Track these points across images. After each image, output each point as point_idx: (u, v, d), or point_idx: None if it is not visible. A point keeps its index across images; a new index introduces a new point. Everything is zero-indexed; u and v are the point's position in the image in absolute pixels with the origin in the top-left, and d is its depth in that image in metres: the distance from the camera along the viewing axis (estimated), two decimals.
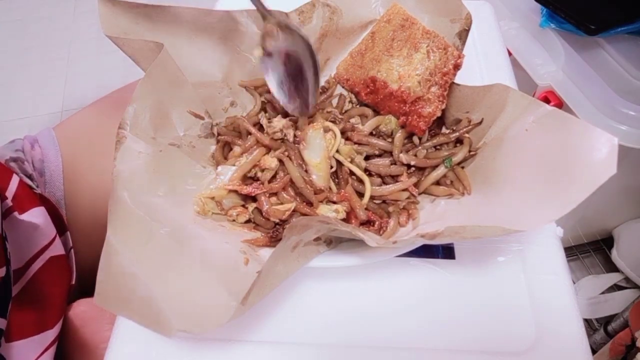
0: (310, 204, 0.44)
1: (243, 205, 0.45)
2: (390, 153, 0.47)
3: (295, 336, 0.40)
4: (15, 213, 0.46)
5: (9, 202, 0.46)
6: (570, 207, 0.33)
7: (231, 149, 0.48)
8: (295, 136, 0.48)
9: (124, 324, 0.40)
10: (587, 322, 0.94)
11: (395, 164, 0.46)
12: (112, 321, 0.41)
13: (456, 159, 0.44)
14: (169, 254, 0.36)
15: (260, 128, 0.49)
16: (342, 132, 0.47)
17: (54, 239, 0.49)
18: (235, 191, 0.46)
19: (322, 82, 0.55)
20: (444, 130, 0.49)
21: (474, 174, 0.44)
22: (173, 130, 0.46)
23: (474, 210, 0.41)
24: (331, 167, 0.46)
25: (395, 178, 0.46)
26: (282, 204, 0.44)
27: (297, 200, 0.45)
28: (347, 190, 0.44)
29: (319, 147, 0.45)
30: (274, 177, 0.46)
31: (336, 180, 0.46)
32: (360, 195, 0.45)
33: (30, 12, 1.72)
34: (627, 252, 0.94)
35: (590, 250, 1.03)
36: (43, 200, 0.51)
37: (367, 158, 0.47)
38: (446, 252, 0.44)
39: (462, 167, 0.45)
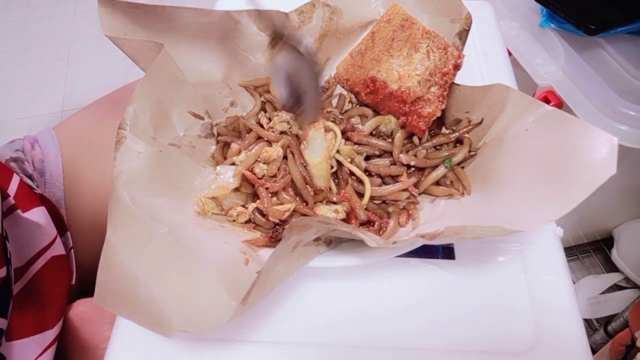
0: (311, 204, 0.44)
1: (243, 206, 0.45)
2: (390, 153, 0.47)
3: (295, 336, 0.40)
4: (18, 211, 0.46)
5: (11, 200, 0.46)
6: (570, 207, 0.33)
7: None
8: (297, 135, 0.48)
9: (124, 324, 0.40)
10: (587, 322, 0.94)
11: (395, 164, 0.46)
12: (112, 321, 0.41)
13: (456, 159, 0.44)
14: (169, 254, 0.36)
15: (261, 127, 0.49)
16: (342, 133, 0.47)
17: (55, 239, 0.49)
18: (236, 191, 0.46)
19: (322, 82, 0.55)
20: (444, 130, 0.49)
21: (474, 174, 0.44)
22: (173, 130, 0.46)
23: (474, 210, 0.41)
24: (331, 167, 0.46)
25: (395, 178, 0.46)
26: (282, 204, 0.44)
27: (297, 200, 0.45)
28: (347, 190, 0.44)
29: (320, 147, 0.45)
30: (274, 175, 0.46)
31: (336, 180, 0.46)
32: (360, 195, 0.45)
33: (30, 12, 1.72)
34: (627, 252, 0.94)
35: (590, 250, 1.03)
36: (43, 200, 0.51)
37: (367, 158, 0.47)
38: (446, 252, 0.44)
39: (462, 167, 0.45)
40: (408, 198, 0.45)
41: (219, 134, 0.50)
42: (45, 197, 0.53)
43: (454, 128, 0.47)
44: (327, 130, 0.47)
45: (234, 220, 0.44)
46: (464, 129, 0.46)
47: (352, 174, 0.46)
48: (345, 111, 0.53)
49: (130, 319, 0.32)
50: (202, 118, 0.49)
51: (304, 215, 0.43)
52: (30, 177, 0.54)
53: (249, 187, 0.46)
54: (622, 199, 0.89)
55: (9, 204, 0.45)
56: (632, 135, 0.68)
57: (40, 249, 0.47)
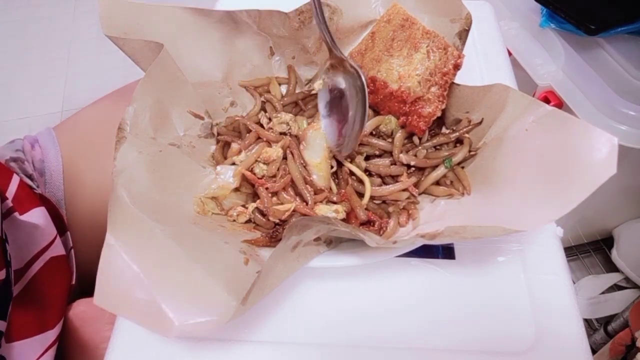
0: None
1: (243, 206, 0.45)
2: (390, 153, 0.47)
3: (295, 336, 0.40)
4: (16, 213, 0.46)
5: (9, 202, 0.46)
6: (570, 207, 0.33)
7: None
8: (296, 136, 0.48)
9: (124, 324, 0.40)
10: (587, 322, 0.94)
11: (395, 164, 0.46)
12: (112, 321, 0.41)
13: (456, 159, 0.45)
14: (168, 254, 0.36)
15: (261, 128, 0.49)
16: None
17: (54, 239, 0.49)
18: (236, 191, 0.46)
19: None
20: (444, 130, 0.49)
21: (474, 174, 0.44)
22: (173, 130, 0.46)
23: (474, 210, 0.41)
24: (331, 167, 0.46)
25: (395, 178, 0.46)
26: (282, 204, 0.44)
27: (297, 200, 0.45)
28: (347, 190, 0.44)
29: (320, 147, 0.45)
30: (274, 175, 0.46)
31: (336, 180, 0.46)
32: (360, 195, 0.45)
33: (30, 12, 1.72)
34: (627, 252, 0.94)
35: (590, 250, 1.03)
36: (43, 201, 0.51)
37: (367, 158, 0.47)
38: (446, 252, 0.44)
39: (462, 167, 0.45)
40: (408, 198, 0.45)
41: (219, 134, 0.50)
42: (45, 197, 0.53)
43: (454, 128, 0.47)
44: None
45: (234, 220, 0.44)
46: (464, 129, 0.46)
47: (352, 173, 0.46)
48: None
49: (130, 318, 0.32)
50: (202, 118, 0.49)
51: (304, 215, 0.43)
52: (30, 177, 0.54)
53: (249, 187, 0.46)
54: (622, 199, 0.89)
55: (6, 207, 0.45)
56: (632, 135, 0.68)
57: (39, 250, 0.47)
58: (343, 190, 0.45)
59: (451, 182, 0.45)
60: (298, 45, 0.53)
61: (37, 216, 0.47)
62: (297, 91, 0.54)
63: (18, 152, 0.56)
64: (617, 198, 0.88)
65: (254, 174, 0.46)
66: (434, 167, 0.45)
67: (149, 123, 0.42)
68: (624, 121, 0.68)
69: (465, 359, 0.38)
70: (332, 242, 0.41)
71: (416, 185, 0.45)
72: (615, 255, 0.95)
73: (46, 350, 0.45)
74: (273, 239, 0.42)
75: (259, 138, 0.48)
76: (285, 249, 0.36)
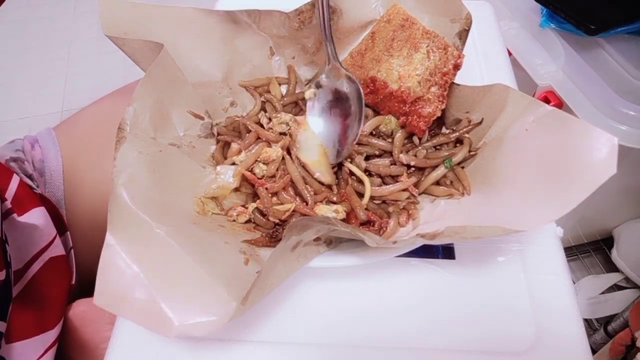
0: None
1: (243, 206, 0.45)
2: (390, 153, 0.47)
3: (295, 336, 0.40)
4: (15, 214, 0.46)
5: (8, 203, 0.46)
6: (570, 207, 0.33)
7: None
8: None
9: (124, 324, 0.40)
10: (587, 322, 0.94)
11: (395, 164, 0.46)
12: (112, 321, 0.41)
13: (456, 159, 0.45)
14: (168, 254, 0.36)
15: (261, 128, 0.49)
16: None
17: (53, 240, 0.49)
18: (236, 191, 0.46)
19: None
20: (444, 130, 0.49)
21: (474, 174, 0.44)
22: (173, 130, 0.46)
23: (474, 210, 0.41)
24: (332, 167, 0.46)
25: (395, 178, 0.46)
26: (282, 204, 0.44)
27: (297, 200, 0.45)
28: (347, 190, 0.44)
29: (313, 145, 0.45)
30: (273, 175, 0.46)
31: (336, 180, 0.46)
32: (360, 195, 0.44)
33: (30, 12, 1.72)
34: (627, 252, 0.94)
35: (590, 250, 1.03)
36: (43, 201, 0.51)
37: (367, 158, 0.47)
38: (446, 252, 0.44)
39: (462, 167, 0.45)
40: (408, 198, 0.45)
41: (219, 134, 0.50)
42: (45, 197, 0.53)
43: (454, 128, 0.47)
44: None
45: (234, 220, 0.44)
46: (464, 129, 0.46)
47: (352, 173, 0.46)
48: None
49: (130, 319, 0.32)
50: (202, 118, 0.49)
51: (304, 215, 0.43)
52: (30, 177, 0.54)
53: (249, 187, 0.46)
54: (622, 199, 0.89)
55: (5, 208, 0.45)
56: (632, 135, 0.68)
57: (39, 250, 0.47)
58: (343, 190, 0.45)
59: (451, 182, 0.45)
60: (298, 45, 0.53)
61: (36, 216, 0.47)
62: (297, 91, 0.54)
63: (18, 152, 0.56)
64: (617, 198, 0.88)
65: (254, 174, 0.46)
66: (434, 167, 0.45)
67: (149, 123, 0.42)
68: (624, 121, 0.68)
69: (465, 359, 0.38)
70: (332, 242, 0.41)
71: (416, 185, 0.45)
72: (615, 255, 0.96)
73: (46, 351, 0.45)
74: (273, 239, 0.42)
75: (258, 138, 0.48)
76: (285, 249, 0.36)
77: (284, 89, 0.54)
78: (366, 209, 0.44)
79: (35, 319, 0.45)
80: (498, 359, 0.38)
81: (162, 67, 0.44)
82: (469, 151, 0.45)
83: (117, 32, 0.44)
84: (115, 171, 0.37)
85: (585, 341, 0.39)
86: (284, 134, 0.48)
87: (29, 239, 0.47)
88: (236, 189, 0.46)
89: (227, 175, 0.45)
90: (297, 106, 0.53)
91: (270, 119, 0.50)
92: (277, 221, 0.43)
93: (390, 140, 0.48)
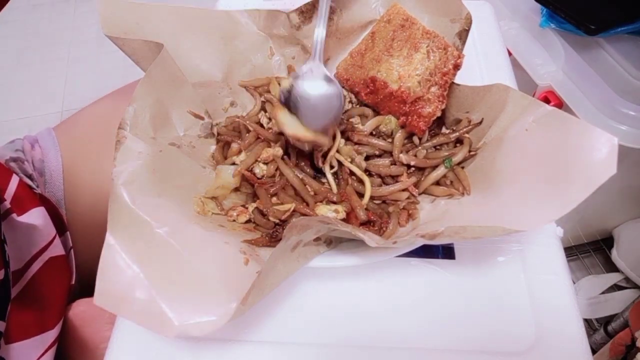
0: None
1: (243, 206, 0.45)
2: (390, 153, 0.47)
3: (295, 336, 0.40)
4: (14, 215, 0.46)
5: (7, 203, 0.46)
6: (570, 207, 0.33)
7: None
8: None
9: (124, 324, 0.40)
10: (587, 322, 0.94)
11: (395, 164, 0.46)
12: (112, 321, 0.41)
13: (456, 159, 0.45)
14: (168, 254, 0.36)
15: (261, 127, 0.49)
16: (342, 132, 0.47)
17: (53, 240, 0.49)
18: (236, 191, 0.46)
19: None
20: (444, 130, 0.49)
21: (474, 174, 0.44)
22: (173, 130, 0.46)
23: (474, 210, 0.41)
24: (331, 167, 0.46)
25: (395, 178, 0.46)
26: (282, 204, 0.44)
27: (297, 200, 0.45)
28: (347, 190, 0.44)
29: (292, 120, 0.44)
30: (273, 175, 0.46)
31: (336, 180, 0.46)
32: (361, 195, 0.44)
33: (30, 12, 1.72)
34: (627, 252, 0.94)
35: (590, 250, 1.03)
36: (43, 201, 0.51)
37: (367, 158, 0.47)
38: (446, 252, 0.44)
39: (462, 167, 0.45)
40: (408, 198, 0.45)
41: (219, 134, 0.50)
42: (45, 197, 0.53)
43: (454, 128, 0.47)
44: None
45: (234, 220, 0.44)
46: (464, 129, 0.46)
47: (352, 173, 0.46)
48: (346, 111, 0.53)
49: (130, 319, 0.32)
50: (202, 118, 0.49)
51: (304, 215, 0.43)
52: (30, 177, 0.54)
53: (249, 187, 0.46)
54: (622, 199, 0.89)
55: (4, 208, 0.45)
56: (632, 135, 0.68)
57: (38, 250, 0.47)
58: (343, 190, 0.45)
59: (451, 182, 0.45)
60: (298, 45, 0.53)
61: (35, 216, 0.47)
62: None
63: (18, 152, 0.56)
64: (617, 198, 0.88)
65: (254, 174, 0.46)
66: (434, 167, 0.45)
67: (149, 123, 0.42)
68: (624, 121, 0.68)
69: (465, 359, 0.38)
70: (332, 242, 0.41)
71: (416, 185, 0.45)
72: (615, 255, 0.95)
73: (46, 351, 0.45)
74: (273, 239, 0.42)
75: (258, 138, 0.48)
76: (285, 249, 0.36)
77: None
78: (366, 209, 0.44)
79: (35, 319, 0.45)
80: (498, 359, 0.38)
81: (162, 67, 0.44)
82: (469, 151, 0.45)
83: (117, 32, 0.44)
84: (115, 171, 0.37)
85: (585, 341, 0.39)
86: (282, 134, 0.48)
87: (28, 238, 0.47)
88: (236, 189, 0.46)
89: (227, 175, 0.45)
90: None
91: (270, 119, 0.50)
92: (277, 221, 0.43)
93: (390, 140, 0.48)
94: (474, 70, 0.58)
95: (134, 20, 0.45)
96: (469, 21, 0.46)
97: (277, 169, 0.46)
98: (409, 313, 0.40)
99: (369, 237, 0.36)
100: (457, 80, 0.46)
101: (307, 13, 0.50)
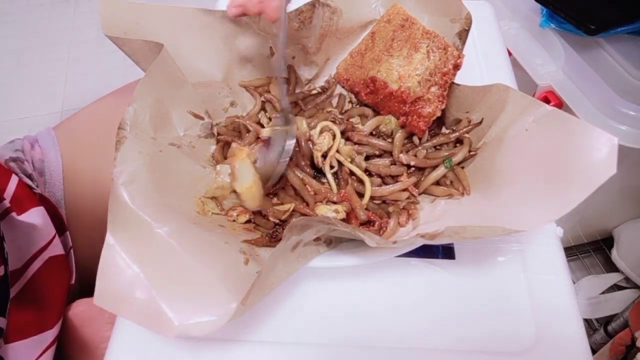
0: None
1: (243, 206, 0.45)
2: (390, 153, 0.47)
3: (295, 336, 0.40)
4: (14, 214, 0.46)
5: (6, 203, 0.46)
6: (570, 207, 0.33)
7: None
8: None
9: (124, 324, 0.40)
10: (587, 322, 0.94)
11: (395, 164, 0.46)
12: (112, 321, 0.41)
13: (456, 159, 0.44)
14: (168, 254, 0.36)
15: (261, 127, 0.49)
16: (342, 133, 0.47)
17: (52, 239, 0.49)
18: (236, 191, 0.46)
19: (322, 82, 0.55)
20: (444, 130, 0.49)
21: (473, 174, 0.44)
22: (173, 130, 0.46)
23: (474, 210, 0.41)
24: (331, 167, 0.46)
25: (395, 178, 0.46)
26: (282, 204, 0.44)
27: (297, 200, 0.45)
28: (347, 190, 0.44)
29: (248, 173, 0.44)
30: None
31: (336, 180, 0.46)
32: (361, 195, 0.44)
33: (30, 12, 1.72)
34: (627, 252, 0.94)
35: (590, 250, 1.03)
36: (43, 200, 0.51)
37: (367, 158, 0.47)
38: (446, 252, 0.44)
39: (462, 167, 0.45)
40: (408, 198, 0.45)
41: (219, 134, 0.50)
42: (44, 197, 0.53)
43: (454, 128, 0.47)
44: (326, 130, 0.47)
45: (234, 220, 0.44)
46: (464, 129, 0.46)
47: (352, 173, 0.46)
48: (345, 111, 0.53)
49: (130, 319, 0.32)
50: (202, 118, 0.49)
51: (304, 215, 0.43)
52: (29, 177, 0.54)
53: None
54: (622, 199, 0.89)
55: (4, 207, 0.45)
56: (632, 135, 0.68)
57: (38, 249, 0.47)
58: (343, 190, 0.44)
59: (451, 182, 0.45)
60: (298, 45, 0.53)
61: (35, 216, 0.47)
62: (297, 91, 0.54)
63: (18, 152, 0.56)
64: (617, 198, 0.88)
65: None
66: (434, 167, 0.45)
67: (149, 123, 0.42)
68: (624, 121, 0.68)
69: (465, 359, 0.38)
70: (332, 242, 0.41)
71: (416, 185, 0.45)
72: (615, 255, 0.95)
73: (45, 350, 0.45)
74: (273, 239, 0.42)
75: (258, 138, 0.48)
76: (285, 249, 0.36)
77: None
78: (366, 209, 0.44)
79: (34, 319, 0.45)
80: (498, 359, 0.38)
81: (162, 67, 0.44)
82: (469, 151, 0.45)
83: (117, 32, 0.44)
84: (115, 171, 0.37)
85: (585, 341, 0.39)
86: None
87: (28, 238, 0.47)
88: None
89: (226, 175, 0.45)
90: (297, 106, 0.53)
91: (270, 119, 0.50)
92: (277, 221, 0.43)
93: (390, 140, 0.48)
94: (474, 70, 0.58)
95: (134, 20, 0.45)
96: (469, 21, 0.46)
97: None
98: (409, 313, 0.40)
99: (369, 237, 0.36)
100: (457, 80, 0.46)
101: (307, 13, 0.50)
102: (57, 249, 0.50)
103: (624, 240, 0.95)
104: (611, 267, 0.98)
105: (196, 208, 0.43)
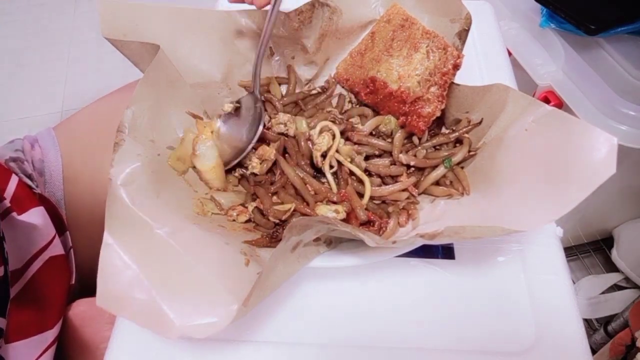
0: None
1: (243, 205, 0.45)
2: (390, 153, 0.47)
3: (295, 336, 0.40)
4: (14, 214, 0.46)
5: (7, 202, 0.46)
6: (570, 207, 0.33)
7: None
8: (294, 137, 0.48)
9: (124, 324, 0.40)
10: (587, 322, 0.94)
11: (395, 164, 0.46)
12: (112, 321, 0.41)
13: (456, 159, 0.44)
14: (168, 255, 0.36)
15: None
16: (342, 133, 0.47)
17: (52, 239, 0.49)
18: (235, 191, 0.46)
19: (322, 82, 0.55)
20: (443, 130, 0.49)
21: (473, 174, 0.44)
22: (172, 132, 0.46)
23: (474, 210, 0.41)
24: (331, 167, 0.46)
25: (395, 178, 0.46)
26: (282, 203, 0.44)
27: (297, 200, 0.45)
28: (347, 190, 0.44)
29: (210, 152, 0.45)
30: (270, 170, 0.46)
31: (336, 180, 0.46)
32: (360, 195, 0.44)
33: (30, 12, 1.72)
34: (627, 252, 0.94)
35: (590, 250, 1.03)
36: (42, 200, 0.51)
37: (367, 158, 0.47)
38: (446, 252, 0.44)
39: (462, 167, 0.45)
40: (408, 198, 0.45)
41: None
42: (44, 197, 0.53)
43: (454, 128, 0.47)
44: (326, 130, 0.47)
45: (233, 220, 0.44)
46: (464, 129, 0.46)
47: (352, 173, 0.46)
48: (345, 111, 0.53)
49: (131, 319, 0.32)
50: (200, 118, 0.49)
51: (304, 215, 0.43)
52: (29, 177, 0.54)
53: (248, 187, 0.46)
54: (622, 199, 0.89)
55: (4, 207, 0.45)
56: (632, 135, 0.68)
57: (38, 249, 0.47)
58: (343, 190, 0.44)
59: (451, 182, 0.45)
60: (298, 45, 0.53)
61: (35, 216, 0.47)
62: (296, 91, 0.54)
63: (18, 152, 0.56)
64: (617, 198, 0.88)
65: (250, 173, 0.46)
66: (434, 167, 0.45)
67: (147, 125, 0.42)
68: (624, 121, 0.68)
69: (465, 359, 0.38)
70: (332, 242, 0.41)
71: (416, 185, 0.45)
72: (615, 255, 0.95)
73: (45, 350, 0.45)
74: (273, 239, 0.42)
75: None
76: (285, 250, 0.36)
77: (283, 88, 0.54)
78: (366, 209, 0.44)
79: (34, 319, 0.45)
80: (498, 359, 0.38)
81: (160, 68, 0.44)
82: (469, 151, 0.45)
83: (117, 34, 0.44)
84: (113, 172, 0.37)
85: (585, 341, 0.39)
86: (282, 134, 0.48)
87: (28, 238, 0.47)
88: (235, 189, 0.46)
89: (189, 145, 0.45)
90: (297, 106, 0.53)
91: (270, 118, 0.50)
92: (277, 221, 0.43)
93: (390, 140, 0.48)
94: (473, 70, 0.58)
95: (134, 21, 0.45)
96: (468, 21, 0.46)
97: (275, 167, 0.46)
98: (409, 313, 0.40)
99: (368, 237, 0.36)
100: (457, 80, 0.46)
101: (307, 13, 0.50)
102: (57, 249, 0.50)
103: (624, 240, 0.95)
104: (611, 267, 0.98)
105: (195, 208, 0.43)
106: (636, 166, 0.74)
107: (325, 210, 0.43)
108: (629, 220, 0.95)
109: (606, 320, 0.86)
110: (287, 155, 0.48)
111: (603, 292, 0.96)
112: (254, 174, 0.47)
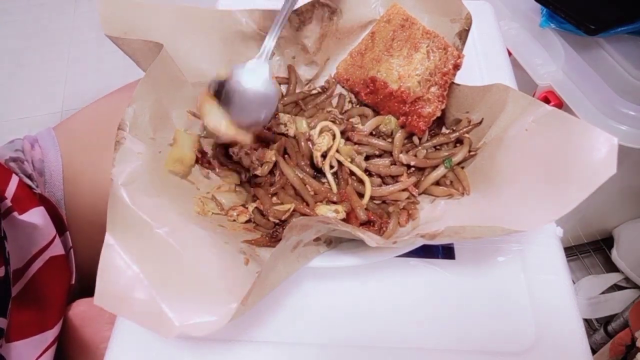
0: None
1: (243, 205, 0.45)
2: (390, 153, 0.47)
3: (295, 336, 0.40)
4: (15, 213, 0.46)
5: (8, 202, 0.46)
6: (570, 207, 0.33)
7: (230, 146, 0.48)
8: (294, 137, 0.48)
9: (124, 324, 0.40)
10: (587, 322, 0.94)
11: (395, 164, 0.46)
12: (112, 321, 0.41)
13: (456, 159, 0.44)
14: (168, 254, 0.36)
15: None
16: (342, 133, 0.47)
17: (53, 239, 0.49)
18: (235, 191, 0.46)
19: (322, 82, 0.55)
20: (443, 130, 0.49)
21: (473, 174, 0.44)
22: (173, 131, 0.46)
23: (474, 210, 0.41)
24: (331, 167, 0.46)
25: (395, 178, 0.46)
26: (282, 203, 0.44)
27: (297, 200, 0.45)
28: (347, 190, 0.44)
29: (218, 112, 0.43)
30: (271, 172, 0.46)
31: (336, 180, 0.46)
32: (361, 195, 0.44)
33: (30, 12, 1.72)
34: (627, 252, 0.94)
35: (590, 250, 1.03)
36: (43, 200, 0.51)
37: (367, 158, 0.47)
38: (446, 252, 0.44)
39: (462, 167, 0.45)
40: (408, 198, 0.45)
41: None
42: (44, 197, 0.53)
43: (454, 128, 0.47)
44: (326, 130, 0.47)
45: (234, 220, 0.44)
46: (464, 129, 0.46)
47: (352, 173, 0.46)
48: (345, 111, 0.53)
49: (131, 319, 0.32)
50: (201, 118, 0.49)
51: (304, 215, 0.43)
52: (29, 177, 0.54)
53: (248, 187, 0.47)
54: (622, 199, 0.89)
55: (5, 206, 0.45)
56: (632, 135, 0.68)
57: (38, 249, 0.47)
58: (343, 190, 0.45)
59: (451, 182, 0.45)
60: (298, 45, 0.53)
61: (36, 216, 0.47)
62: (297, 91, 0.54)
63: (18, 152, 0.56)
64: (617, 198, 0.88)
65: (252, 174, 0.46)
66: (434, 167, 0.45)
67: (148, 123, 0.42)
68: (624, 121, 0.68)
69: (465, 359, 0.38)
70: (332, 242, 0.41)
71: (416, 185, 0.45)
72: (615, 255, 0.95)
73: (45, 350, 0.45)
74: (273, 239, 0.42)
75: (258, 137, 0.48)
76: (285, 249, 0.36)
77: (284, 88, 0.54)
78: (366, 209, 0.44)
79: (34, 319, 0.45)
80: (498, 359, 0.38)
81: (162, 67, 0.44)
82: (469, 151, 0.45)
83: (117, 32, 0.44)
84: (114, 171, 0.37)
85: (585, 341, 0.39)
86: (282, 134, 0.48)
87: (29, 238, 0.47)
88: (235, 189, 0.46)
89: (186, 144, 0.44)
90: (297, 106, 0.53)
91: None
92: (277, 221, 0.43)
93: (390, 140, 0.48)
94: (474, 70, 0.58)
95: (134, 20, 0.45)
96: (469, 21, 0.46)
97: (275, 168, 0.46)
98: (409, 313, 0.40)
99: (369, 237, 0.36)
100: (457, 80, 0.46)
101: (307, 13, 0.50)
102: (57, 249, 0.50)
103: (624, 240, 0.95)
104: (611, 267, 0.98)
105: (196, 208, 0.43)
106: (636, 166, 0.74)
107: (325, 210, 0.43)
108: (629, 220, 0.96)
109: (606, 320, 0.86)
110: (287, 155, 0.48)
111: (603, 292, 0.96)
112: (255, 175, 0.47)
